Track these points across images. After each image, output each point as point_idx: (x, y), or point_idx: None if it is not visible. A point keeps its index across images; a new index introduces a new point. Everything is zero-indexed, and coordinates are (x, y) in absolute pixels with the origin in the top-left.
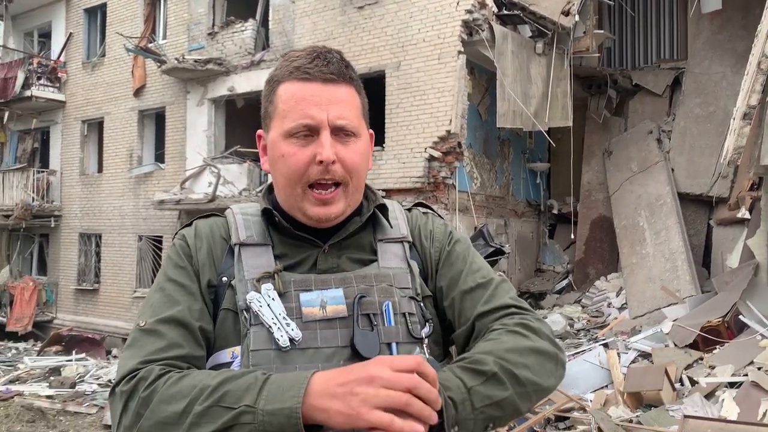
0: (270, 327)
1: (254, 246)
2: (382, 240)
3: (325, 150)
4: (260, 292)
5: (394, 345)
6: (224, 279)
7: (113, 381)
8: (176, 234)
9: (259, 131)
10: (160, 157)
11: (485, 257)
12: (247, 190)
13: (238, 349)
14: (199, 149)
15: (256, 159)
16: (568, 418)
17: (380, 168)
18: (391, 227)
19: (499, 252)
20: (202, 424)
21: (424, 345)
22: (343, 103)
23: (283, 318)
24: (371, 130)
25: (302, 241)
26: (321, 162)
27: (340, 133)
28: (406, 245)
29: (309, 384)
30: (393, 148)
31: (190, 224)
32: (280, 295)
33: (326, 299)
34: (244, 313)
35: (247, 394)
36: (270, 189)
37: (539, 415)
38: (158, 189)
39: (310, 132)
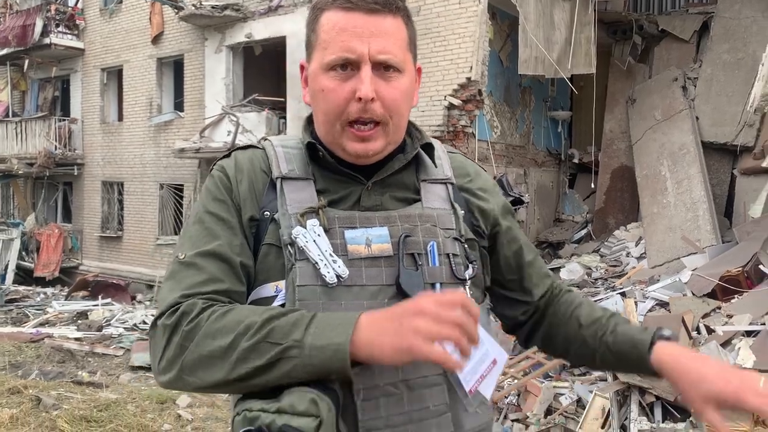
0: (316, 263)
1: (296, 180)
2: (426, 180)
3: (365, 87)
4: (305, 227)
5: (438, 285)
6: (266, 213)
7: (153, 315)
8: (214, 165)
9: (302, 61)
10: (179, 106)
11: None
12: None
13: (282, 284)
14: (217, 97)
15: (274, 107)
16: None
17: None
18: (436, 167)
19: (518, 201)
20: (249, 359)
21: (467, 286)
22: (387, 36)
23: (330, 254)
24: (419, 64)
25: (345, 176)
26: (360, 99)
27: (381, 68)
28: (450, 187)
29: (358, 321)
30: None
31: (228, 155)
32: (325, 231)
33: (371, 237)
34: (289, 248)
35: (294, 330)
36: (309, 121)
37: (554, 361)
38: (178, 137)
39: (351, 66)
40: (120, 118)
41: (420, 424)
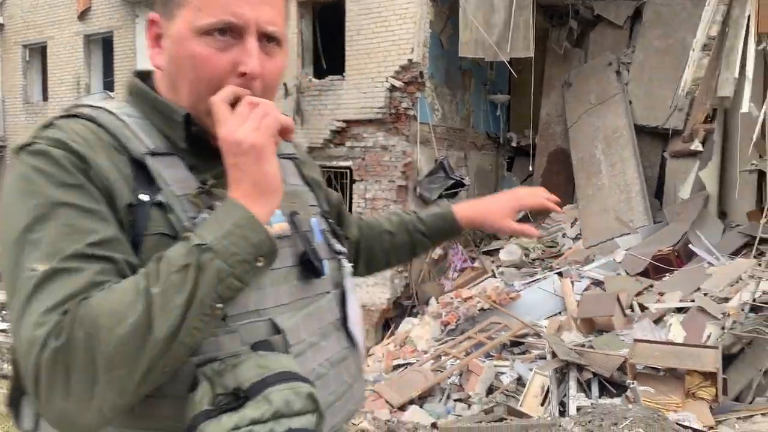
0: None
1: (165, 156)
2: (279, 155)
3: (252, 61)
4: (204, 212)
5: (325, 262)
6: (143, 197)
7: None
8: (33, 141)
9: (153, 15)
10: (109, 85)
11: (445, 189)
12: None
13: None
14: None
15: None
16: (523, 343)
17: (340, 98)
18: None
19: (459, 184)
20: (170, 300)
21: (343, 259)
22: (274, 4)
23: None
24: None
25: (212, 153)
26: (243, 74)
27: (264, 39)
28: (295, 162)
29: (233, 197)
30: (353, 77)
31: (50, 125)
32: None
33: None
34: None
35: (188, 245)
36: (142, 77)
37: (495, 341)
38: None
39: (232, 33)
40: (45, 98)
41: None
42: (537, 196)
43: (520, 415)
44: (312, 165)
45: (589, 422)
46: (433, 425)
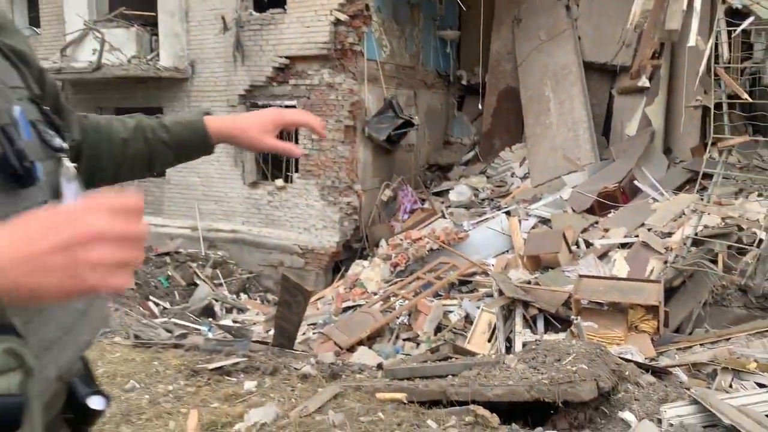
0: None
1: None
2: None
3: None
4: None
5: (38, 164)
6: None
7: None
8: None
9: None
10: (34, 21)
11: (394, 129)
12: (137, 57)
13: None
14: (79, 11)
15: (145, 23)
16: (471, 282)
17: (282, 33)
18: None
19: (408, 124)
20: None
21: (65, 158)
22: None
23: None
24: None
25: None
26: None
27: None
28: None
29: None
30: (296, 9)
31: None
32: None
33: None
34: None
35: None
36: None
37: (443, 280)
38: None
39: None
40: None
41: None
42: (303, 113)
43: (466, 353)
44: (14, 31)
45: (532, 359)
46: (379, 366)
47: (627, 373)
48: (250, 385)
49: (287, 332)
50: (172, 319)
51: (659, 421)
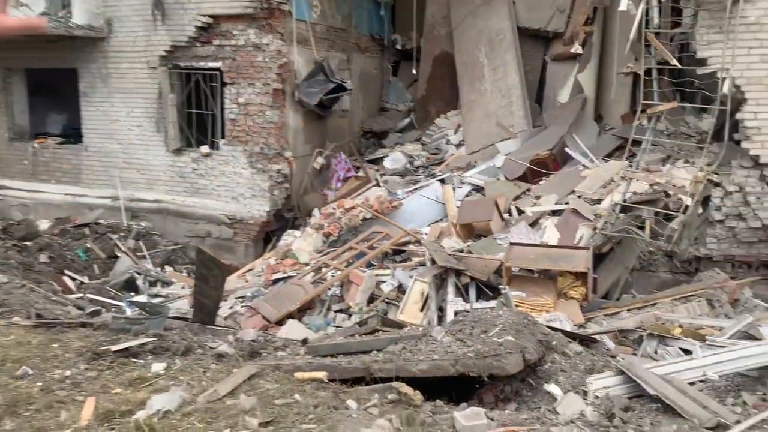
0: None
1: None
2: None
3: None
4: None
5: None
6: None
7: None
8: None
9: None
10: None
11: (326, 94)
12: (46, 13)
13: None
14: None
15: None
16: (404, 251)
17: None
18: None
19: (340, 88)
20: None
21: None
22: None
23: None
24: None
25: None
26: None
27: None
28: None
29: None
30: None
31: None
32: None
33: None
34: None
35: None
36: None
37: (376, 250)
38: None
39: None
40: None
41: None
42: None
43: (395, 325)
44: None
45: (459, 331)
46: (303, 341)
47: (554, 343)
48: (158, 367)
49: (207, 308)
50: (88, 295)
51: (585, 393)
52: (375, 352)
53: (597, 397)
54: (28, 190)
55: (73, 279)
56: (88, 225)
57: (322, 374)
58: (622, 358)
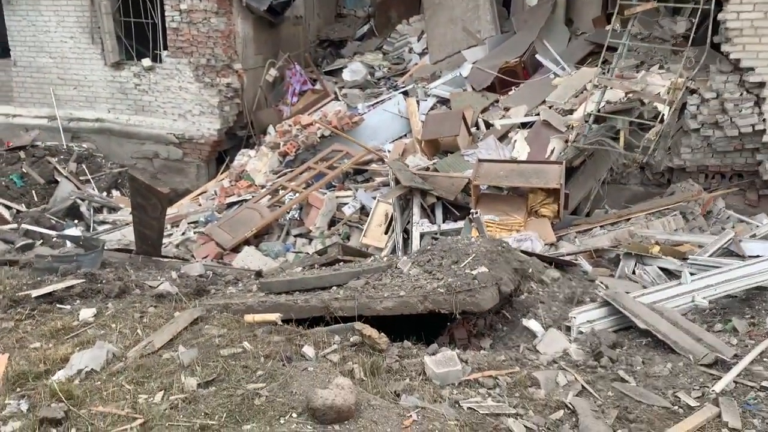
0: None
1: None
2: None
3: None
4: None
5: None
6: None
7: None
8: None
9: None
10: None
11: None
12: None
13: None
14: None
15: None
16: (366, 171)
17: None
18: None
19: None
20: None
21: None
22: None
23: None
24: None
25: None
26: None
27: None
28: None
29: None
30: None
31: None
32: None
33: None
34: None
35: None
36: None
37: (337, 170)
38: None
39: None
40: None
41: None
42: None
43: (357, 254)
44: None
45: (427, 261)
46: (258, 274)
47: (530, 270)
48: (86, 314)
49: (149, 239)
50: (23, 225)
51: (568, 328)
52: (335, 288)
53: (581, 333)
54: None
55: (9, 207)
56: (23, 148)
57: (275, 316)
58: (604, 286)
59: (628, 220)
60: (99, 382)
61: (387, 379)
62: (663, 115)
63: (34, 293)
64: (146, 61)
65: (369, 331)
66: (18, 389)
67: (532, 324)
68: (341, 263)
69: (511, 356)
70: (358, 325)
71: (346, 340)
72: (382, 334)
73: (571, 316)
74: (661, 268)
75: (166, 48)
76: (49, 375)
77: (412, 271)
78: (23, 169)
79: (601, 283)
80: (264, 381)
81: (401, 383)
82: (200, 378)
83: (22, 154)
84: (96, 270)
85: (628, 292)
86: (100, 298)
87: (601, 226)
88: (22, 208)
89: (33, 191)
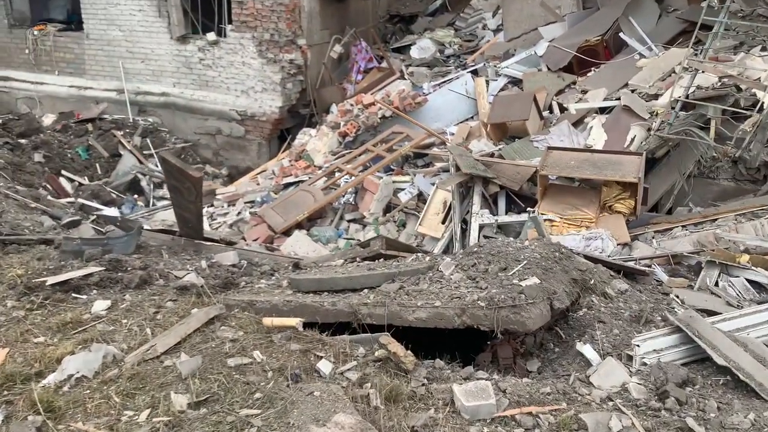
0: None
1: None
2: None
3: None
4: None
5: None
6: None
7: None
8: None
9: None
10: None
11: None
12: None
13: None
14: None
15: None
16: (426, 155)
17: None
18: None
19: None
20: None
21: None
22: None
23: None
24: None
25: None
26: None
27: None
28: None
29: None
30: None
31: None
32: None
33: None
34: None
35: None
36: None
37: (395, 153)
38: None
39: None
40: None
41: None
42: None
43: (403, 248)
44: None
45: (472, 266)
46: (295, 265)
47: (592, 281)
48: (99, 306)
49: (189, 221)
50: (80, 200)
51: (629, 357)
52: (366, 291)
53: (645, 364)
54: (32, 82)
55: (71, 180)
56: (92, 120)
57: (295, 321)
58: (680, 300)
59: (715, 220)
60: (88, 391)
61: (408, 409)
62: (763, 103)
63: (50, 281)
64: (211, 35)
65: (395, 347)
66: (5, 392)
67: (587, 350)
68: (383, 258)
69: (559, 388)
70: (383, 338)
71: (371, 353)
72: (409, 352)
73: (634, 344)
74: (750, 281)
75: (231, 22)
76: (40, 378)
77: (454, 276)
78: (89, 142)
79: (677, 297)
80: (260, 406)
81: (423, 416)
82: (193, 395)
83: (90, 126)
84: (126, 255)
85: (706, 312)
86: (119, 289)
87: (683, 227)
88: (85, 181)
89: (97, 164)
